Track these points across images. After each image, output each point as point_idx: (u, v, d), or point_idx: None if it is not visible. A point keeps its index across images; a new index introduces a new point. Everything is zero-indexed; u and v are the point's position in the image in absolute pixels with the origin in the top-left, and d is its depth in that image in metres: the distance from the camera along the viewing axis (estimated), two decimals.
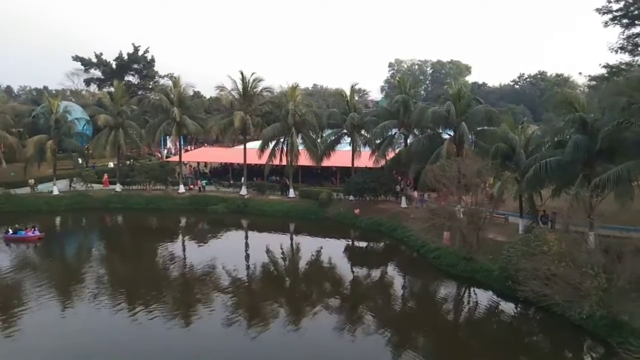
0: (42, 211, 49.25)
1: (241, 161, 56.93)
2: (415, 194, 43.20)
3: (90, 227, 47.67)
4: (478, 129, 38.66)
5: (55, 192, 51.72)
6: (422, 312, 26.17)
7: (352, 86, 48.72)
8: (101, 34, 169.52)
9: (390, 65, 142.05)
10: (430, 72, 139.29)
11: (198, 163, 68.19)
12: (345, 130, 47.33)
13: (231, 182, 56.69)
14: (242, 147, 65.28)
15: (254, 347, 21.08)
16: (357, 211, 43.86)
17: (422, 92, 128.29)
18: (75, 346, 20.60)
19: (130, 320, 23.57)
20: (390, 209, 43.77)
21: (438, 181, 30.35)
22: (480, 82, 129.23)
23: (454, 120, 37.31)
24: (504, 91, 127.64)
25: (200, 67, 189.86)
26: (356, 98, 52.01)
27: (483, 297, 26.99)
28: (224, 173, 62.50)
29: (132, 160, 58.24)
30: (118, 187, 53.10)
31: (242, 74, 50.34)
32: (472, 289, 28.33)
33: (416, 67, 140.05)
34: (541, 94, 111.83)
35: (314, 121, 47.69)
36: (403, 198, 43.53)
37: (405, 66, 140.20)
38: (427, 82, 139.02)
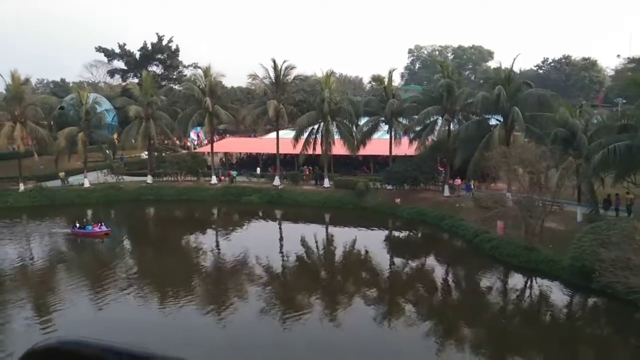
0: (75, 204, 48.73)
1: (271, 151, 56.08)
2: (458, 182, 41.82)
3: (124, 219, 46.97)
4: (527, 114, 36.99)
5: (87, 184, 51.10)
6: (479, 303, 25.07)
7: (390, 72, 47.27)
8: (122, 24, 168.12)
9: (410, 51, 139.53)
10: (452, 57, 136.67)
11: (225, 154, 67.19)
12: (382, 118, 45.93)
13: (260, 172, 55.53)
14: (269, 136, 64.77)
15: (290, 338, 20.50)
16: (397, 200, 42.64)
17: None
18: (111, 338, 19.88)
19: (164, 311, 23.22)
20: (432, 197, 42.50)
21: (498, 168, 28.96)
22: (503, 68, 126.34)
23: (504, 105, 35.80)
24: (527, 76, 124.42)
25: (220, 56, 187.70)
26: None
27: (551, 288, 25.79)
28: (250, 164, 61.39)
29: (164, 152, 57.32)
30: (149, 179, 52.32)
31: (274, 61, 49.14)
32: (536, 280, 27.07)
33: (437, 52, 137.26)
34: (567, 78, 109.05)
35: (349, 109, 46.36)
36: (446, 187, 42.15)
37: (426, 52, 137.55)
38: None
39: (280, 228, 43.49)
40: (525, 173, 29.63)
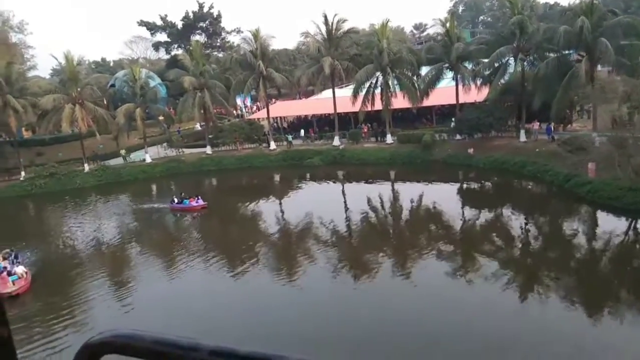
0: (139, 180, 49.14)
1: (326, 111, 54.63)
2: (537, 125, 39.35)
3: (190, 191, 46.94)
4: (614, 45, 33.91)
5: (148, 159, 51.26)
6: (578, 250, 23.46)
7: (452, 14, 44.33)
8: None
9: None
10: None
11: (275, 119, 66.07)
12: (446, 64, 43.43)
13: (305, 134, 54.25)
14: (318, 97, 63.24)
15: (364, 298, 19.58)
16: (470, 150, 40.67)
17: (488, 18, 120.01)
18: (189, 309, 19.75)
19: (236, 280, 22.87)
20: (508, 144, 40.26)
21: (596, 105, 26.64)
22: (551, 2, 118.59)
23: (587, 37, 32.88)
24: (607, 2, 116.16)
25: (262, 18, 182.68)
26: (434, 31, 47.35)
27: None
28: (300, 126, 59.99)
29: (220, 122, 56.73)
30: (208, 150, 51.97)
31: (325, 16, 46.99)
32: None
33: None
34: (626, 7, 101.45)
35: (410, 58, 44.04)
36: (522, 132, 39.76)
37: None
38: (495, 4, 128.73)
39: (345, 188, 42.38)
40: (625, 109, 27.22)
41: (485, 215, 30.02)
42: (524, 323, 16.38)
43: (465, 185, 38.52)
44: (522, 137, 39.67)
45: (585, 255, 22.92)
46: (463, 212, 31.16)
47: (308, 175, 45.35)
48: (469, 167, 40.16)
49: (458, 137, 43.80)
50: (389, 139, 47.44)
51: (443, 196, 34.21)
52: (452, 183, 38.78)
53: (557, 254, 22.91)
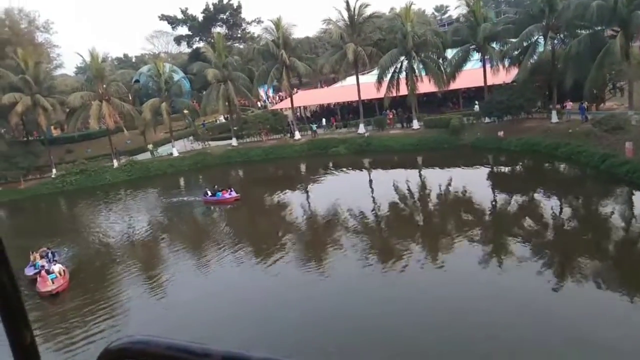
0: (168, 173, 49.57)
1: (350, 98, 54.11)
2: (570, 105, 38.20)
3: (218, 183, 47.24)
4: None
5: (175, 153, 51.67)
6: (616, 233, 22.61)
7: None
8: None
9: None
10: None
11: (298, 108, 65.70)
12: (473, 46, 42.38)
13: (326, 123, 53.75)
14: (339, 85, 62.58)
15: (394, 286, 19.29)
16: (501, 133, 39.77)
17: None
18: (222, 301, 19.96)
19: (266, 270, 22.78)
20: (539, 126, 39.22)
21: (632, 81, 25.63)
22: None
23: (622, 11, 31.61)
24: None
25: (281, 7, 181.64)
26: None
27: None
28: (323, 115, 59.49)
29: (244, 113, 56.73)
30: (234, 142, 52.06)
31: (347, 2, 46.29)
32: None
33: None
34: None
35: (435, 40, 43.12)
36: (553, 112, 38.65)
37: None
38: None
39: (372, 176, 41.93)
40: None
41: (518, 199, 29.23)
42: (568, 308, 15.92)
43: (496, 169, 37.73)
44: (554, 118, 38.58)
45: (626, 238, 22.17)
46: (495, 196, 30.54)
47: (334, 164, 45.03)
48: (499, 150, 39.31)
49: (487, 120, 42.87)
50: (416, 124, 46.73)
51: (473, 181, 33.53)
52: (482, 167, 38.05)
53: (595, 237, 22.26)
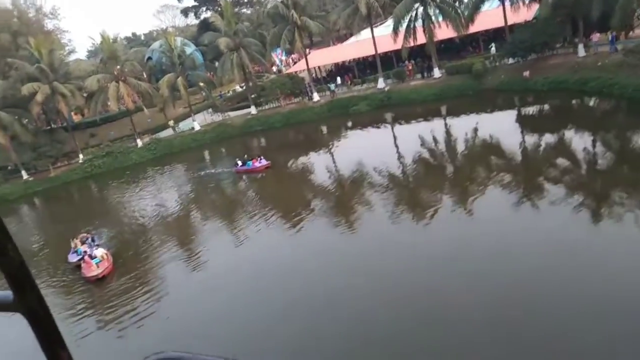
0: (192, 148, 49.72)
1: (366, 53, 52.85)
2: (597, 36, 36.58)
3: (243, 152, 47.32)
4: None
5: (197, 127, 51.69)
6: None
7: None
8: None
9: None
10: None
11: (314, 69, 64.55)
12: None
13: (349, 80, 52.69)
14: (354, 40, 61.01)
15: (428, 237, 19.18)
16: (526, 74, 38.46)
17: None
18: (256, 265, 20.27)
19: (297, 234, 22.85)
20: (565, 62, 37.73)
21: None
22: None
23: None
24: None
25: None
26: None
27: None
28: (339, 74, 58.31)
29: (261, 79, 56.17)
30: (253, 110, 51.69)
31: None
32: None
33: None
34: None
35: None
36: (580, 46, 37.09)
37: None
38: None
39: (396, 131, 41.31)
40: None
41: (549, 140, 28.43)
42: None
43: (523, 111, 36.76)
44: (581, 52, 37.04)
45: None
46: (524, 139, 29.73)
47: (356, 123, 44.43)
48: (526, 91, 38.10)
49: (511, 61, 41.46)
50: (437, 72, 45.55)
51: (501, 126, 32.71)
52: (509, 110, 37.12)
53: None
